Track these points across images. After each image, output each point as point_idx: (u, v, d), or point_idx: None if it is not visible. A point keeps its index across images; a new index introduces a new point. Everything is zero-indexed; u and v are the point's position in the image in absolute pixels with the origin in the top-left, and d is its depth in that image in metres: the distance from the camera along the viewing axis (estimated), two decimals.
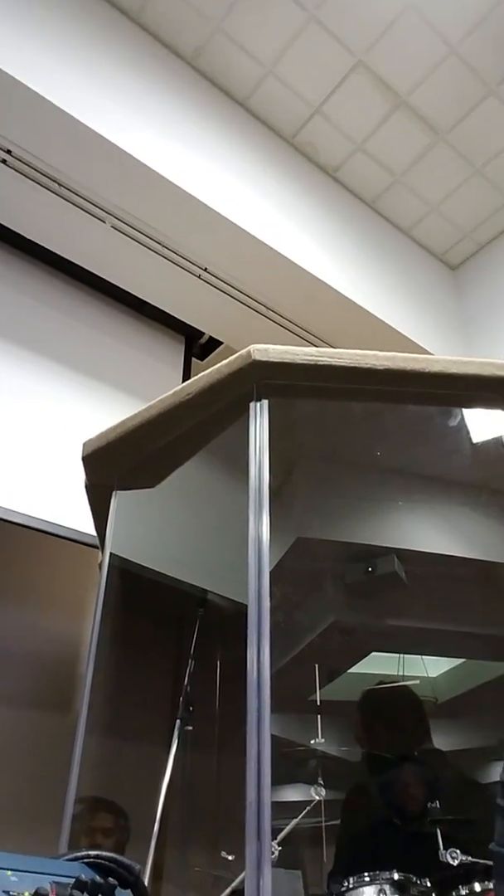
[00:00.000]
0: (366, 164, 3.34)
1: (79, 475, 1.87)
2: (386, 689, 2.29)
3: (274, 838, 1.55)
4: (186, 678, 2.16)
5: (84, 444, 1.82)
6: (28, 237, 2.77)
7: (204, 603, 2.38)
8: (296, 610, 2.36)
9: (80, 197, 2.59)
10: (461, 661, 2.76)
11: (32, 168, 2.48)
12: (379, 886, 1.43)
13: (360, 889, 1.44)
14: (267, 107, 3.13)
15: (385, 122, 3.16)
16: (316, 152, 3.31)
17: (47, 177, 2.52)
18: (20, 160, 2.46)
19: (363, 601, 2.51)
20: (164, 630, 2.60)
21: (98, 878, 0.68)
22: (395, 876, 1.42)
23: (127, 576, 1.96)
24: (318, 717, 1.96)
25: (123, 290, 3.04)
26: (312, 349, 1.63)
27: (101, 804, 2.12)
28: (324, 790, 1.79)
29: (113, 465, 1.81)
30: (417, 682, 2.69)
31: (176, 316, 3.17)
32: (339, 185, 3.43)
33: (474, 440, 1.92)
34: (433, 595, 2.42)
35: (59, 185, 2.54)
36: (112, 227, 2.69)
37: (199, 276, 2.90)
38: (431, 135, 3.21)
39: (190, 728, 2.07)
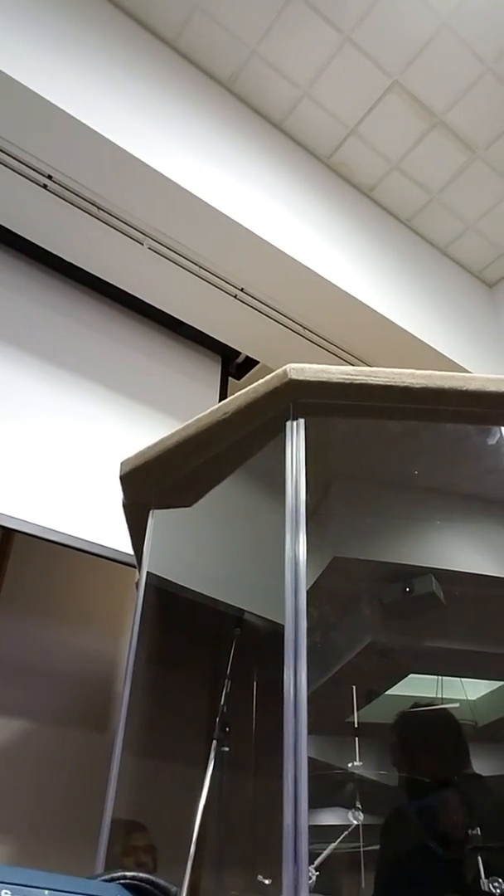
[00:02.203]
0: (402, 184, 3.34)
1: (116, 494, 1.88)
2: (426, 712, 2.26)
3: (311, 863, 1.52)
4: (223, 698, 2.15)
5: (121, 463, 1.83)
6: (67, 259, 2.82)
7: (240, 623, 2.37)
8: (333, 630, 2.34)
9: (119, 220, 2.63)
10: (502, 683, 2.70)
11: (72, 192, 2.53)
12: None
13: None
14: (302, 128, 3.15)
15: (421, 142, 3.16)
16: (351, 172, 3.32)
17: (87, 200, 2.56)
18: (60, 185, 2.51)
19: (401, 621, 2.48)
20: (200, 649, 2.59)
21: None
22: None
23: (164, 595, 1.96)
24: (356, 739, 1.94)
25: (160, 311, 3.08)
26: (349, 368, 1.63)
27: (133, 824, 2.13)
28: (361, 814, 1.77)
29: (150, 484, 1.82)
30: (457, 704, 2.65)
31: (212, 336, 3.19)
32: (375, 204, 3.43)
33: None
34: (472, 616, 2.38)
35: (98, 208, 2.59)
36: (149, 248, 2.73)
37: (235, 297, 2.92)
38: (468, 153, 3.20)
39: (226, 749, 2.06)
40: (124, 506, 1.91)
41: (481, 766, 2.07)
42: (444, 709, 2.24)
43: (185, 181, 2.56)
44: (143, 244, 2.72)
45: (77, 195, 2.55)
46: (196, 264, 2.80)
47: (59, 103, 2.31)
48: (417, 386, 1.55)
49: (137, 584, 1.79)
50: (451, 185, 3.33)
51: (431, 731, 2.11)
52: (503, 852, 1.52)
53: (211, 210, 2.62)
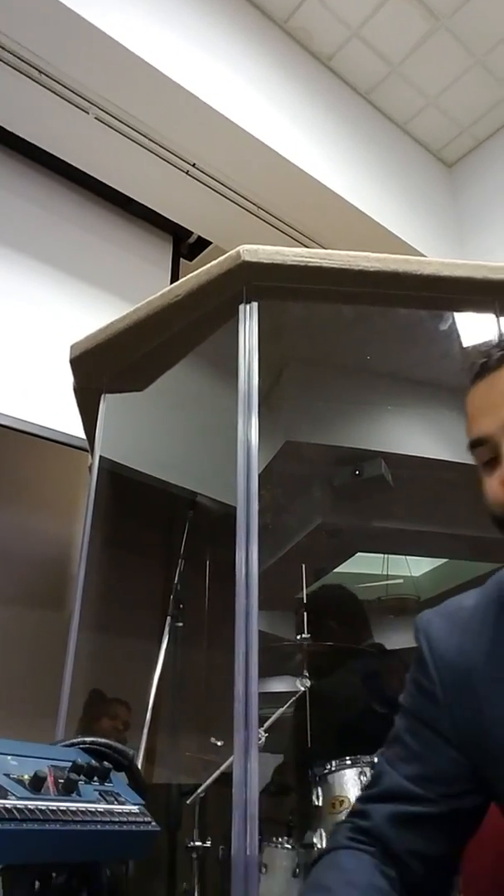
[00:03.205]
0: (361, 53, 3.18)
1: (67, 378, 1.86)
2: (329, 588, 2.39)
3: (261, 726, 1.62)
4: (177, 577, 2.22)
5: (72, 347, 1.80)
6: (8, 129, 2.65)
7: (193, 505, 2.41)
8: (284, 512, 2.40)
9: (62, 85, 2.47)
10: (443, 561, 2.84)
11: (11, 53, 2.35)
12: (360, 769, 1.51)
13: (343, 771, 1.52)
14: None
15: (382, 6, 2.99)
16: (310, 38, 3.14)
17: (27, 63, 2.39)
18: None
19: (350, 504, 2.55)
20: (154, 531, 2.65)
21: (94, 762, 0.72)
22: (376, 759, 1.50)
23: (117, 479, 1.98)
24: (305, 613, 2.03)
25: (110, 188, 2.95)
26: (303, 250, 1.60)
27: (120, 700, 2.28)
28: (308, 681, 1.87)
29: (101, 368, 1.81)
30: (401, 581, 2.77)
31: (164, 214, 3.09)
32: (334, 74, 3.28)
33: (465, 344, 1.91)
34: (419, 498, 2.46)
35: (40, 72, 2.42)
36: (96, 118, 2.58)
37: (187, 172, 2.81)
38: (431, 20, 3.04)
39: (180, 625, 2.14)
40: (75, 390, 1.89)
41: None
42: (343, 585, 2.39)
43: (134, 45, 2.40)
44: (88, 113, 2.56)
45: (17, 56, 2.37)
46: (146, 136, 2.67)
47: None
48: (372, 269, 1.54)
49: (90, 468, 1.80)
50: (413, 56, 3.18)
51: (339, 605, 2.24)
52: None
53: (161, 77, 2.47)
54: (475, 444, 0.83)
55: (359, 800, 0.85)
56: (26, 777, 0.63)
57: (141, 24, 2.47)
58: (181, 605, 2.17)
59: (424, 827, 0.77)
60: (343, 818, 0.86)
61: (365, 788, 0.87)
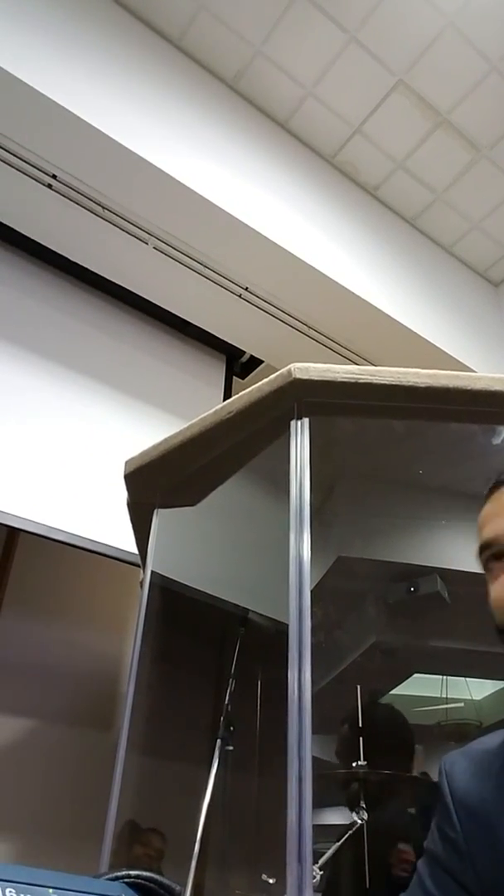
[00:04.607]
0: (406, 183, 3.34)
1: (121, 493, 1.88)
2: (381, 709, 2.27)
3: (315, 862, 1.52)
4: (227, 697, 2.15)
5: (126, 463, 1.83)
6: (73, 259, 2.82)
7: (245, 622, 2.37)
8: (337, 630, 2.34)
9: (124, 219, 2.64)
10: None
11: (77, 192, 2.53)
12: None
13: None
14: (307, 127, 3.15)
15: (426, 141, 3.15)
16: (356, 171, 3.32)
17: (92, 200, 2.57)
18: (65, 184, 2.51)
19: (405, 621, 2.48)
20: (204, 649, 2.60)
21: None
22: None
23: (168, 594, 1.97)
24: (360, 738, 1.94)
25: (165, 310, 3.08)
26: (353, 367, 1.62)
27: (154, 830, 2.19)
28: (366, 814, 1.77)
29: (154, 484, 1.82)
30: (461, 704, 2.64)
31: (217, 335, 3.20)
32: (380, 203, 3.43)
33: None
34: (477, 616, 2.37)
35: (104, 208, 2.59)
36: (154, 248, 2.73)
37: (239, 296, 2.92)
38: (473, 152, 3.19)
39: (230, 748, 2.06)
40: (129, 505, 1.91)
41: None
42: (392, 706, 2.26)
43: (189, 180, 2.56)
44: (147, 244, 2.72)
45: (81, 194, 2.55)
46: (201, 263, 2.80)
47: (64, 103, 2.31)
48: (422, 385, 1.55)
49: (142, 584, 1.79)
50: (456, 185, 3.32)
51: (387, 726, 2.12)
52: None
53: (215, 209, 2.62)
54: (482, 550, 0.86)
55: None
56: None
57: (196, 161, 2.64)
58: (232, 728, 2.09)
59: None
60: None
61: None
